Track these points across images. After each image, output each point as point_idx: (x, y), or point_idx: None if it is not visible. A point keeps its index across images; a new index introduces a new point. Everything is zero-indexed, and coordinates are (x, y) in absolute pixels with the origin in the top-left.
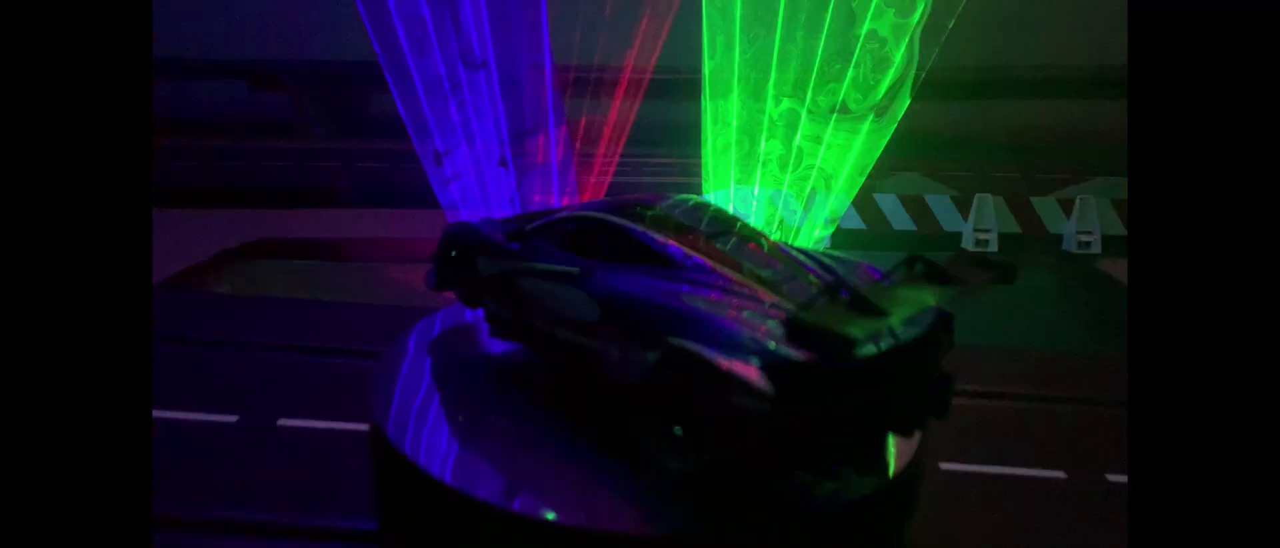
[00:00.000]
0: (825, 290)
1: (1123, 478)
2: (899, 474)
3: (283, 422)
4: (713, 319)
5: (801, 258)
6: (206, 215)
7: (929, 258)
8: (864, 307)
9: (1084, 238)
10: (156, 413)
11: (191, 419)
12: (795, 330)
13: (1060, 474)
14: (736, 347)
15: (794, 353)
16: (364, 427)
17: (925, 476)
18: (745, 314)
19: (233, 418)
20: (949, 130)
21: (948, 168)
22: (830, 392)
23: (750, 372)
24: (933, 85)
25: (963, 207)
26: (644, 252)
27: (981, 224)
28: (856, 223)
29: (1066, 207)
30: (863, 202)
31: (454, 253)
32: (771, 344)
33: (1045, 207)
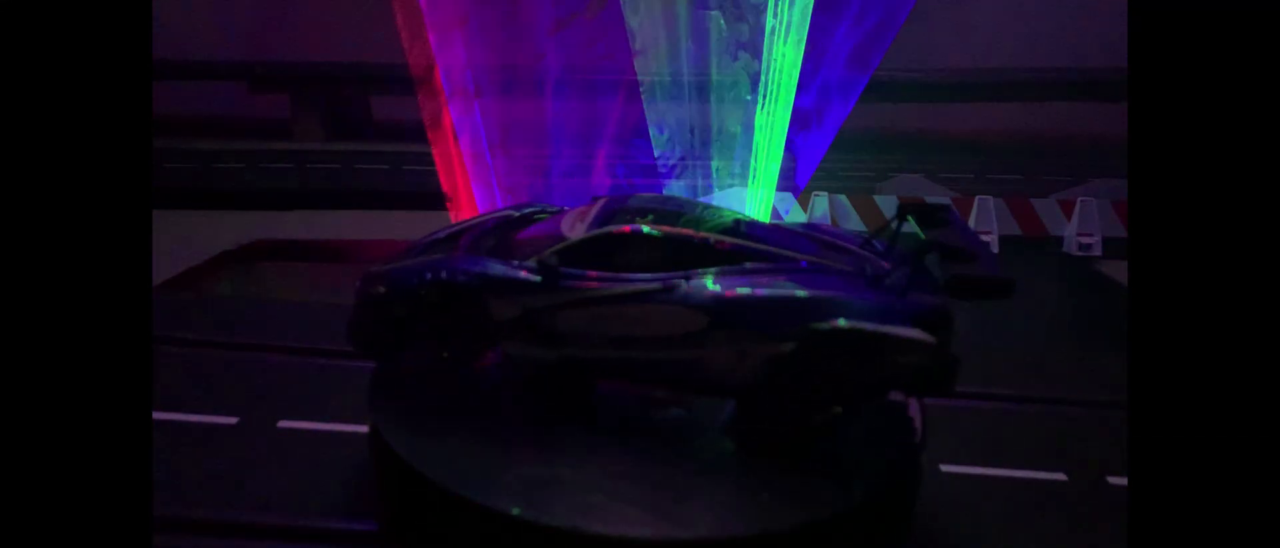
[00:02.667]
0: (919, 251)
1: (1123, 480)
2: (901, 476)
3: (283, 424)
4: (846, 297)
5: (810, 234)
6: (206, 217)
7: (916, 207)
8: (963, 255)
9: (1084, 240)
10: (157, 415)
11: (191, 421)
12: (961, 284)
13: (1061, 477)
14: (883, 314)
15: (931, 302)
16: (364, 429)
17: (926, 478)
18: (867, 286)
19: (233, 420)
20: (949, 132)
21: (948, 169)
22: (951, 329)
23: (911, 331)
24: (933, 88)
25: (963, 208)
26: (713, 254)
27: (982, 226)
28: (857, 225)
29: (1067, 209)
30: (863, 203)
31: (424, 302)
32: (897, 302)
33: (1046, 208)
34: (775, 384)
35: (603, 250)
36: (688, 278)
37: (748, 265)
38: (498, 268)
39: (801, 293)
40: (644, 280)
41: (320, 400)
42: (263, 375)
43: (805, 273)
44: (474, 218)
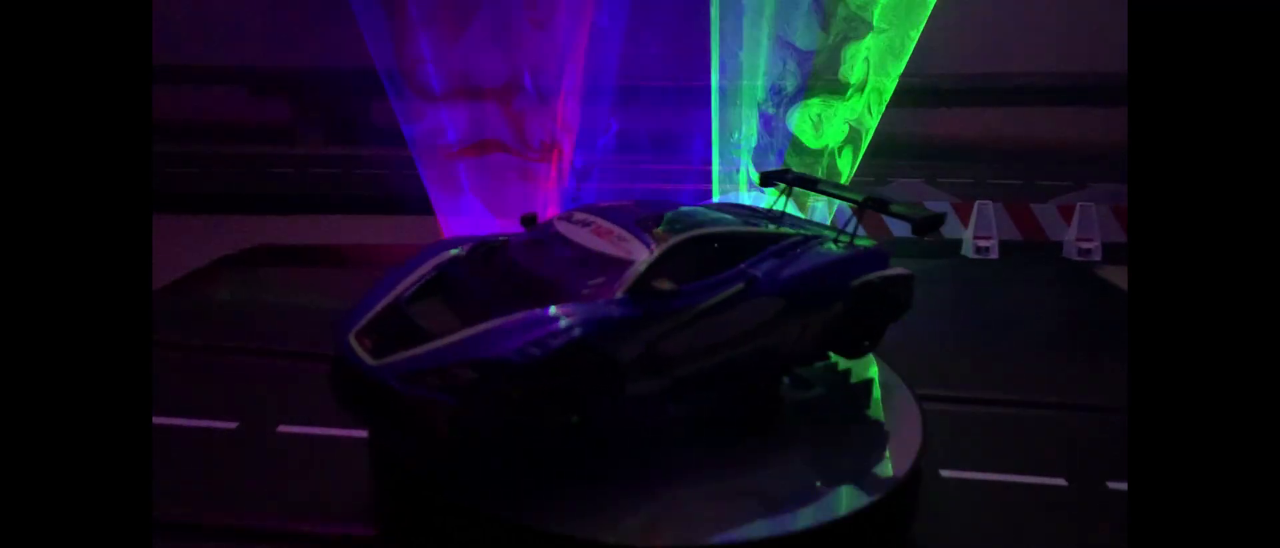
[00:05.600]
0: (866, 205)
1: (1123, 485)
2: (900, 481)
3: (282, 428)
4: (854, 255)
5: (761, 210)
6: (206, 221)
7: (784, 176)
8: (890, 204)
9: (1084, 245)
10: (156, 419)
11: (191, 425)
12: (922, 224)
13: (1061, 482)
14: (877, 261)
15: (876, 246)
16: (363, 434)
17: (926, 482)
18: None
19: (232, 425)
20: (949, 136)
21: (947, 174)
22: None
23: (900, 268)
24: (933, 92)
25: (963, 213)
26: (756, 241)
27: (982, 231)
28: (857, 229)
29: (1066, 213)
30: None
31: (544, 372)
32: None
33: (1045, 213)
34: (826, 344)
35: (688, 260)
36: (754, 272)
37: (770, 248)
38: (615, 310)
39: (834, 259)
40: (721, 283)
41: (320, 405)
42: (262, 380)
43: (814, 241)
44: (409, 267)
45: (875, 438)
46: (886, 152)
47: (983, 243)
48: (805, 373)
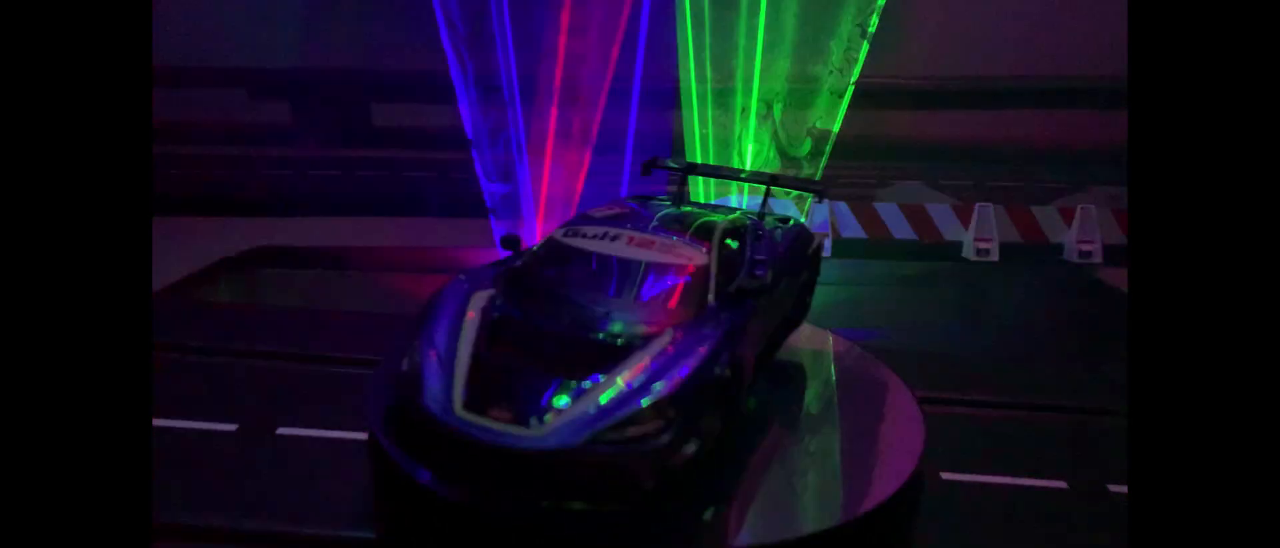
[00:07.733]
0: (769, 183)
1: (1124, 488)
2: (901, 484)
3: (281, 431)
4: (804, 227)
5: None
6: (206, 223)
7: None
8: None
9: (1085, 247)
10: (156, 421)
11: (190, 427)
12: (823, 191)
13: (1061, 484)
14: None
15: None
16: (362, 436)
17: (927, 486)
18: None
19: (231, 427)
20: (949, 138)
21: (948, 176)
22: None
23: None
24: (934, 94)
25: (963, 215)
26: (739, 230)
27: (982, 233)
28: (857, 231)
29: (1067, 216)
30: (863, 210)
31: (702, 402)
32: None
33: (1046, 216)
34: (797, 309)
35: (739, 260)
36: (771, 264)
37: (747, 234)
38: (734, 317)
39: (795, 234)
40: (751, 272)
41: (319, 407)
42: (262, 382)
43: (763, 223)
44: (451, 317)
45: (876, 441)
46: (886, 153)
47: (983, 245)
48: (802, 376)
